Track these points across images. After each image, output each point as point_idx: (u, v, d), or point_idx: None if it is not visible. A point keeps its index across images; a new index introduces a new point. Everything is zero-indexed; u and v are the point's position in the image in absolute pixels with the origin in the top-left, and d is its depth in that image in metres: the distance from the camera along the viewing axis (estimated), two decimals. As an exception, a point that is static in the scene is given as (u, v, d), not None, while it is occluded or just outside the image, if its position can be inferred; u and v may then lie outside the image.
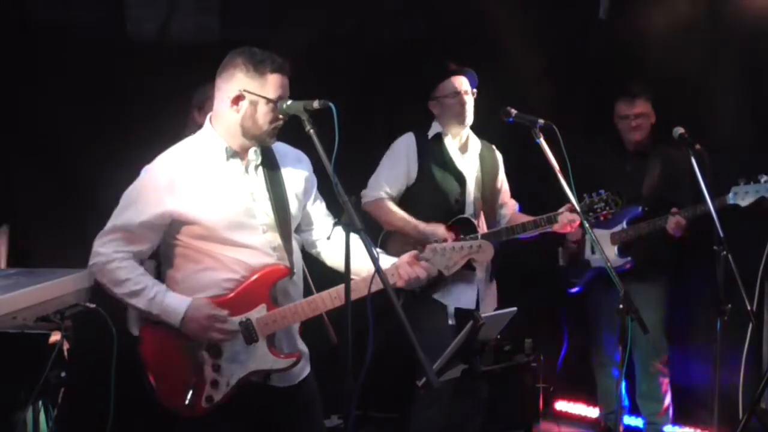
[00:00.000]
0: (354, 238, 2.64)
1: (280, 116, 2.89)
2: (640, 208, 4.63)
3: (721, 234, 3.92)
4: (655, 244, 4.63)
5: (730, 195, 4.27)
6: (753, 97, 4.92)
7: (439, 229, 4.09)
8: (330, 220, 3.18)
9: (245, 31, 5.05)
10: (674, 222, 4.43)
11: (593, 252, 4.74)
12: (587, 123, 5.15)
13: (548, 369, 5.12)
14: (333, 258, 3.16)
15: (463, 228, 4.21)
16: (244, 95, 2.89)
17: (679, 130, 4.46)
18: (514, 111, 3.73)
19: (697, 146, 4.32)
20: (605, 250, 4.59)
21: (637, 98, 4.74)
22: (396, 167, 4.25)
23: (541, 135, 3.61)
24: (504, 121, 3.78)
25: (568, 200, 3.52)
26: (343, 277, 2.71)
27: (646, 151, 4.81)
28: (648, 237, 4.57)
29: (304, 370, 3.12)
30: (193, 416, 2.92)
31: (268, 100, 2.86)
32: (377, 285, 2.72)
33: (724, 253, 3.89)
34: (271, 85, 2.87)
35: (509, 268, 4.47)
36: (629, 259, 4.66)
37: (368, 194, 4.27)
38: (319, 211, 3.19)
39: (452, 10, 5.28)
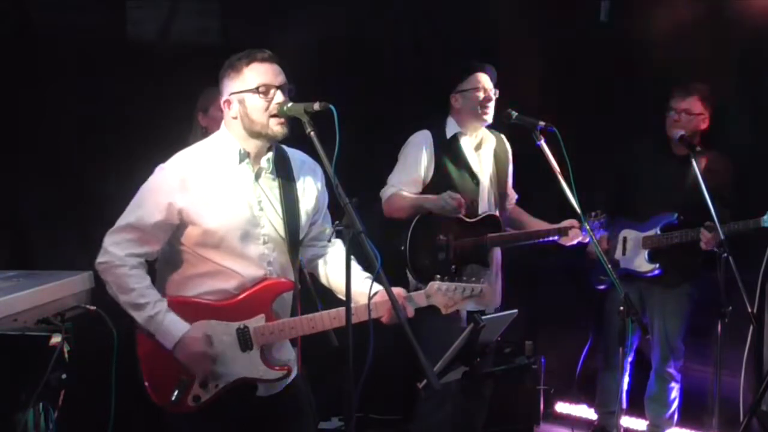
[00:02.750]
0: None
1: (273, 99, 2.85)
2: (675, 216, 4.56)
3: (722, 236, 3.92)
4: (683, 253, 4.56)
5: (765, 218, 4.18)
6: (753, 98, 4.91)
7: (452, 196, 4.08)
8: (333, 239, 3.16)
9: (246, 32, 5.05)
10: (707, 237, 4.31)
11: (624, 253, 4.73)
12: (587, 125, 5.14)
13: (548, 371, 5.12)
14: (331, 276, 3.15)
15: (489, 225, 4.21)
16: (231, 99, 2.91)
17: (680, 132, 4.47)
18: (515, 113, 3.75)
19: (698, 148, 4.33)
20: (636, 252, 4.66)
21: (690, 95, 4.58)
22: (413, 168, 4.21)
23: (542, 137, 3.62)
24: (505, 122, 3.80)
25: (568, 201, 3.53)
26: (343, 296, 2.72)
27: (691, 157, 4.59)
28: (678, 246, 4.52)
29: (291, 376, 3.10)
30: (179, 414, 2.93)
31: (252, 91, 2.87)
32: (377, 312, 2.87)
33: (725, 255, 3.88)
34: (250, 76, 2.88)
35: (510, 268, 4.48)
36: (657, 265, 4.62)
37: (383, 195, 4.25)
38: (325, 229, 3.17)
39: (453, 12, 5.28)
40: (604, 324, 4.91)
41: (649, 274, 4.63)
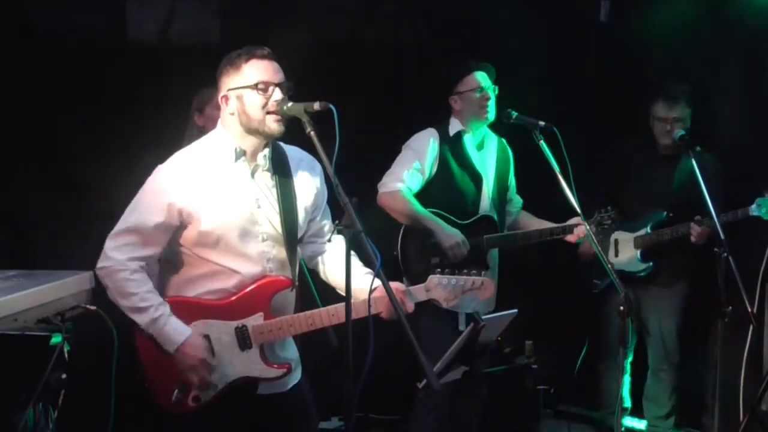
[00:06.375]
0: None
1: (272, 96, 2.85)
2: (664, 213, 4.58)
3: (722, 236, 3.92)
4: (676, 250, 4.59)
5: (753, 207, 4.20)
6: (753, 99, 4.91)
7: (459, 237, 4.05)
8: (333, 236, 3.13)
9: (246, 33, 5.05)
10: (697, 231, 4.37)
11: (617, 255, 4.73)
12: (587, 126, 5.14)
13: (547, 371, 5.12)
14: (331, 272, 3.13)
15: (484, 227, 4.19)
16: (228, 95, 2.91)
17: (680, 132, 4.48)
18: (515, 113, 3.77)
19: (697, 148, 4.33)
20: (628, 253, 4.68)
21: (677, 102, 4.61)
22: (415, 162, 4.17)
23: (542, 137, 3.62)
24: (505, 122, 3.81)
25: (567, 201, 3.54)
26: (344, 292, 2.70)
27: (677, 155, 4.65)
28: (670, 243, 4.53)
29: (295, 377, 3.11)
30: (180, 415, 2.94)
31: (250, 88, 2.86)
32: (376, 308, 2.82)
33: (725, 255, 3.89)
34: (248, 72, 2.87)
35: (508, 268, 4.48)
36: (651, 264, 4.65)
37: (385, 185, 4.16)
38: (324, 225, 3.16)
39: (453, 12, 5.28)
40: (602, 325, 4.92)
41: (644, 273, 4.64)
